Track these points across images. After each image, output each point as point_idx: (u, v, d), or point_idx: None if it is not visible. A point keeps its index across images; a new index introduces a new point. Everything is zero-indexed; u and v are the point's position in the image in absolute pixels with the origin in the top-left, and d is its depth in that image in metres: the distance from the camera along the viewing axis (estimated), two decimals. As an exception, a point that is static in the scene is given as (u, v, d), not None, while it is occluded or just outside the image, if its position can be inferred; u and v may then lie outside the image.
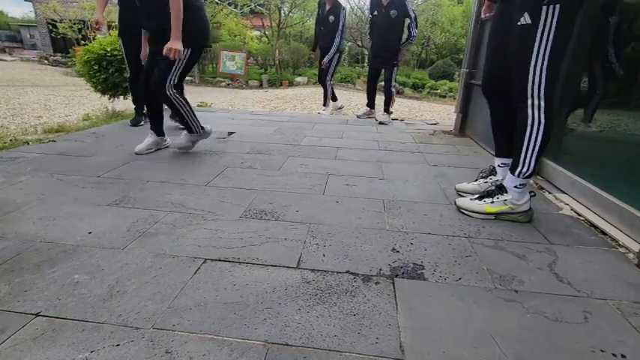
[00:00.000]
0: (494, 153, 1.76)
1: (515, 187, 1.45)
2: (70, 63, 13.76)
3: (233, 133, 2.96)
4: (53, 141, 2.47)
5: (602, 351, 0.83)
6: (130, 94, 3.20)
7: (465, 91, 3.17)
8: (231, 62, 12.10)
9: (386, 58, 3.78)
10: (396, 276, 1.08)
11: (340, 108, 5.09)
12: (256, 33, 15.38)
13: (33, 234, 1.23)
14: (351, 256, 1.17)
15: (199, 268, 1.08)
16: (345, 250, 1.21)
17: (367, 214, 1.50)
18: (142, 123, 3.04)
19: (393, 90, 3.86)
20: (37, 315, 0.86)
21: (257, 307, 0.92)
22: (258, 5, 15.04)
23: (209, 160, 2.19)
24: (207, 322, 0.86)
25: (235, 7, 13.77)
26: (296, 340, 0.82)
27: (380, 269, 1.11)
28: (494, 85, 1.59)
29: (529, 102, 1.35)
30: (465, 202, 1.56)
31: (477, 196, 1.55)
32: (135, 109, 3.14)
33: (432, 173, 2.09)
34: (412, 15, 3.65)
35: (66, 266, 1.06)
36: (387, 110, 3.85)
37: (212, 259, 1.12)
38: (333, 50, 4.31)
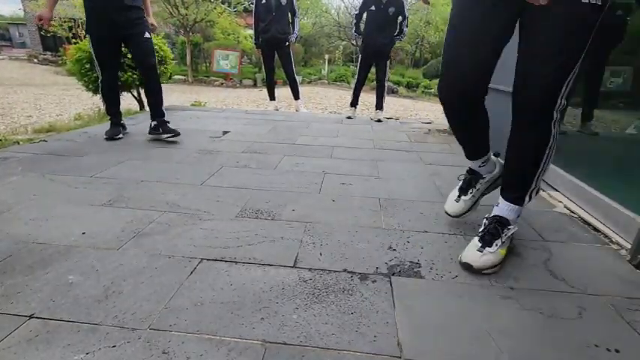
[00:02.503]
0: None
1: (518, 216, 1.19)
2: (60, 62, 13.57)
3: (228, 132, 2.94)
4: (44, 141, 2.44)
5: (597, 346, 0.84)
6: (105, 102, 2.63)
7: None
8: (225, 61, 12.04)
9: (382, 53, 3.80)
10: (393, 274, 1.08)
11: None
12: (250, 32, 15.31)
13: (25, 235, 1.21)
14: (348, 255, 1.18)
15: (195, 268, 1.07)
16: (341, 248, 1.21)
17: (363, 212, 1.50)
18: (121, 135, 2.57)
19: (386, 85, 3.89)
20: (30, 317, 0.85)
21: (254, 307, 0.92)
22: (251, 4, 14.98)
23: (204, 159, 2.17)
24: (204, 322, 0.86)
25: (229, 6, 13.68)
26: (294, 339, 0.82)
27: (377, 267, 1.11)
28: (470, 86, 1.11)
29: (554, 116, 1.03)
30: (476, 258, 1.11)
31: (479, 244, 1.13)
32: (110, 119, 2.62)
33: (428, 172, 2.10)
34: (406, 14, 3.70)
35: (60, 267, 1.04)
36: (380, 107, 3.85)
37: (208, 259, 1.12)
38: (296, 34, 4.27)
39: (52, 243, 1.17)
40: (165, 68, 3.71)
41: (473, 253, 1.12)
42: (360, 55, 3.93)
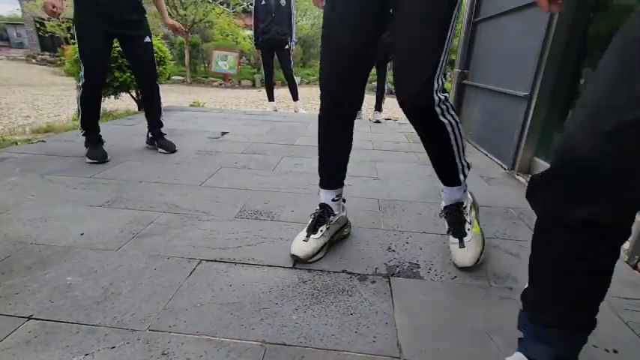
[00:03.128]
0: (484, 151, 1.65)
1: (465, 191, 1.21)
2: (58, 62, 13.53)
3: (227, 133, 2.94)
4: (42, 141, 2.43)
5: (595, 346, 0.84)
6: (83, 111, 2.10)
7: (457, 92, 3.20)
8: (223, 62, 12.04)
9: (386, 54, 3.81)
10: (392, 275, 1.08)
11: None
12: (249, 32, 15.31)
13: (24, 236, 1.20)
14: (347, 256, 1.18)
15: (195, 268, 1.07)
16: (340, 249, 1.21)
17: (362, 213, 1.50)
18: (109, 158, 2.08)
19: (386, 86, 3.88)
20: (29, 318, 0.85)
21: (254, 308, 0.92)
22: (250, 4, 14.99)
23: (203, 160, 2.17)
24: (203, 322, 0.86)
25: (227, 7, 13.69)
26: (293, 340, 0.82)
27: (376, 268, 1.12)
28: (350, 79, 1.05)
29: (437, 111, 0.99)
30: (464, 257, 1.12)
31: (458, 241, 1.15)
32: (87, 135, 2.10)
33: (426, 173, 2.10)
34: None
35: (58, 268, 1.04)
36: (379, 108, 3.86)
37: (207, 260, 1.12)
38: (294, 36, 4.29)
39: (51, 244, 1.16)
40: (164, 69, 3.71)
41: (460, 254, 1.13)
42: None
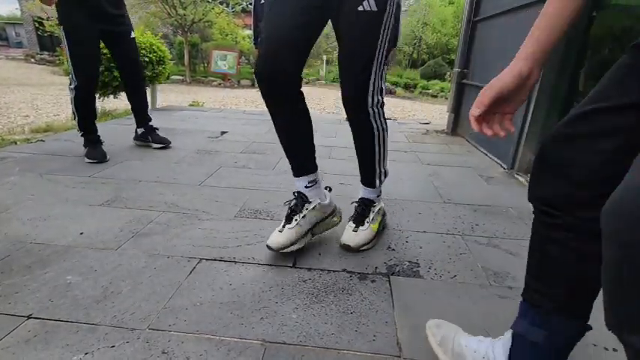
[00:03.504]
0: (484, 151, 1.70)
1: (378, 196, 1.30)
2: (57, 61, 13.52)
3: (226, 132, 2.94)
4: (42, 141, 2.43)
5: (594, 345, 0.84)
6: (79, 114, 2.07)
7: (457, 91, 3.21)
8: (222, 62, 12.04)
9: None
10: (392, 274, 1.09)
11: None
12: (248, 32, 15.30)
13: (23, 235, 1.20)
14: (347, 255, 1.18)
15: (194, 268, 1.07)
16: (340, 248, 1.21)
17: (362, 212, 1.50)
18: (109, 157, 2.07)
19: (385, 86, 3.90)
20: (29, 317, 0.85)
21: (254, 307, 0.92)
22: (249, 4, 14.98)
23: (202, 159, 2.17)
24: (203, 322, 0.86)
25: (227, 6, 13.68)
26: (293, 339, 0.82)
27: (376, 267, 1.12)
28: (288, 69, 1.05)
29: (370, 112, 1.10)
30: (352, 238, 1.19)
31: (353, 225, 1.22)
32: (86, 136, 2.10)
33: (426, 172, 2.10)
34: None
35: (58, 267, 1.04)
36: None
37: (207, 259, 1.12)
38: None
39: (50, 243, 1.16)
40: (164, 68, 3.70)
41: (349, 234, 1.21)
42: None
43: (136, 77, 2.27)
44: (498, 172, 2.14)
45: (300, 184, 1.22)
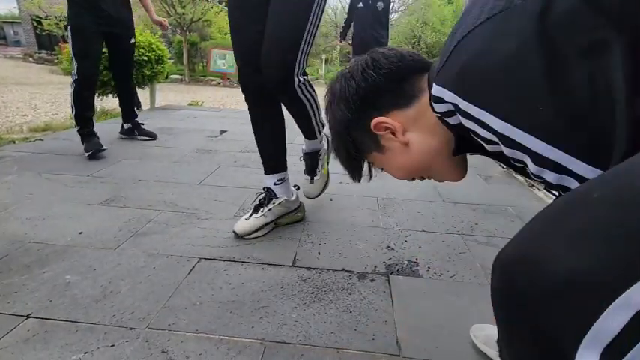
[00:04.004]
0: None
1: (321, 141, 1.42)
2: (56, 60, 13.48)
3: (225, 131, 2.94)
4: (40, 140, 2.42)
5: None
6: (77, 107, 2.15)
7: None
8: (222, 60, 12.01)
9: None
10: (391, 273, 1.09)
11: None
12: (247, 31, 15.28)
13: (22, 234, 1.20)
14: (346, 254, 1.18)
15: (194, 267, 1.07)
16: (340, 247, 1.21)
17: (361, 212, 1.51)
18: (105, 148, 2.13)
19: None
20: (28, 316, 0.84)
21: (253, 306, 0.92)
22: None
23: (201, 158, 2.17)
24: (203, 321, 0.86)
25: (226, 5, 13.65)
26: (293, 338, 0.82)
27: (375, 266, 1.12)
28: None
29: (296, 80, 1.12)
30: (312, 189, 1.42)
31: (309, 178, 1.43)
32: (83, 131, 2.16)
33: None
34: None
35: (57, 267, 1.04)
36: None
37: (206, 258, 1.12)
38: None
39: (49, 242, 1.16)
40: (162, 67, 3.69)
41: (308, 188, 1.44)
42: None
43: (125, 78, 2.49)
44: (497, 172, 2.15)
45: (270, 181, 1.34)
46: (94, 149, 2.06)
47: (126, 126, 2.57)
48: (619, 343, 0.23)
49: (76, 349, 0.76)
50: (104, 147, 2.12)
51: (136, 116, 2.60)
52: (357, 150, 0.63)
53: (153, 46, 3.47)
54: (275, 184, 1.33)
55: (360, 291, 1.00)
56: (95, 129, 2.22)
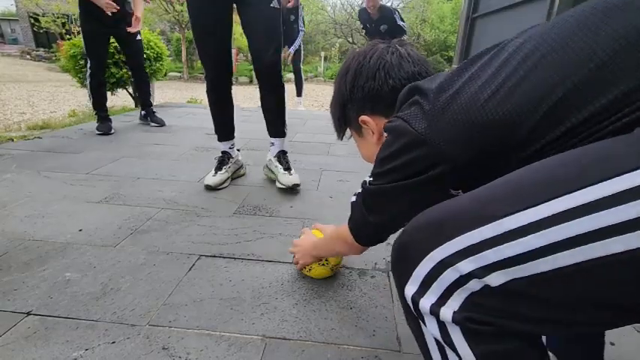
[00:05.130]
0: None
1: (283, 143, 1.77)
2: (53, 58, 13.42)
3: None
4: (39, 138, 2.41)
5: (592, 339, 0.85)
6: (93, 96, 2.70)
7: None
8: (220, 58, 11.96)
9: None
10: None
11: None
12: (246, 29, 15.22)
13: (21, 232, 1.20)
14: (347, 251, 1.18)
15: (194, 264, 1.07)
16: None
17: (361, 209, 1.50)
18: (114, 130, 2.66)
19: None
20: (28, 314, 0.84)
21: (254, 302, 0.92)
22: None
23: (200, 156, 2.16)
24: (203, 317, 0.86)
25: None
26: (294, 334, 0.82)
27: (375, 263, 1.12)
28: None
29: (281, 75, 1.60)
30: (294, 178, 1.64)
31: (287, 172, 1.67)
32: (98, 114, 2.68)
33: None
34: (403, 27, 3.70)
35: (56, 264, 1.03)
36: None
37: (207, 256, 1.12)
38: (298, 40, 4.67)
39: (49, 240, 1.16)
40: (161, 65, 3.68)
41: (288, 178, 1.64)
42: None
43: (140, 73, 2.91)
44: (497, 169, 2.15)
45: (225, 146, 1.75)
46: (103, 131, 2.57)
47: (142, 112, 3.01)
48: (425, 283, 0.42)
49: (76, 346, 0.76)
50: (113, 131, 2.64)
51: (151, 104, 3.02)
52: (344, 120, 0.76)
53: (151, 44, 3.46)
54: (230, 148, 1.75)
55: (360, 287, 1.00)
56: (93, 127, 2.47)
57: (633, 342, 0.85)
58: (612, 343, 0.84)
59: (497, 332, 0.39)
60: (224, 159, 1.71)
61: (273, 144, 1.74)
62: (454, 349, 0.41)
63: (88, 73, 2.61)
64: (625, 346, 0.84)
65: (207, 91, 1.66)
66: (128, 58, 2.88)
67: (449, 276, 0.40)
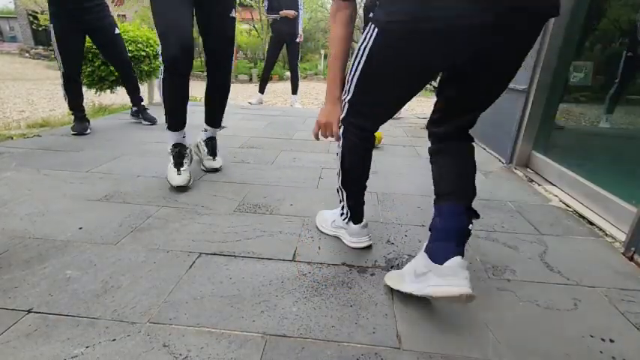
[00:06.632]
0: (483, 145, 1.73)
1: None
2: (52, 56, 13.38)
3: (224, 127, 2.92)
4: (38, 136, 2.41)
5: (592, 336, 0.85)
6: (68, 96, 2.56)
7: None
8: (220, 56, 11.93)
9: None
10: (392, 267, 1.09)
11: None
12: (245, 26, 15.16)
13: (21, 230, 1.20)
14: (346, 249, 1.18)
15: (194, 262, 1.07)
16: (339, 242, 1.22)
17: (361, 207, 1.50)
18: (89, 131, 2.54)
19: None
20: (29, 311, 0.84)
21: (254, 300, 0.92)
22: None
23: (200, 154, 2.16)
24: (204, 315, 0.86)
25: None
26: (294, 332, 0.82)
27: (375, 261, 1.12)
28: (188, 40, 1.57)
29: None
30: (217, 162, 1.85)
31: (212, 157, 1.85)
32: (74, 114, 2.58)
33: (425, 166, 2.10)
34: None
35: (57, 262, 1.04)
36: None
37: (207, 253, 1.12)
38: (301, 32, 4.61)
39: (49, 238, 1.16)
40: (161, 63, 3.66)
41: (212, 162, 1.84)
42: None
43: (126, 69, 2.75)
44: (497, 167, 2.15)
45: (179, 136, 1.70)
46: (78, 130, 2.47)
47: (134, 109, 2.91)
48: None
49: (77, 343, 0.76)
50: (89, 131, 2.55)
51: (142, 100, 2.92)
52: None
53: (150, 41, 3.44)
54: (183, 137, 1.72)
55: (360, 285, 1.00)
56: (93, 125, 2.41)
57: (632, 339, 0.85)
58: (612, 340, 0.84)
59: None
60: (180, 151, 1.66)
61: (206, 130, 1.87)
62: None
63: (61, 71, 2.43)
64: (624, 343, 0.84)
65: (165, 73, 1.57)
66: (112, 57, 2.67)
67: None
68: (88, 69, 3.28)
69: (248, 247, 1.16)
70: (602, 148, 1.86)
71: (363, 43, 0.88)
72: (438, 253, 0.85)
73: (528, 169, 2.05)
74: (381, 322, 0.86)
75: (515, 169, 2.09)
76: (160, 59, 1.53)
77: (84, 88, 3.49)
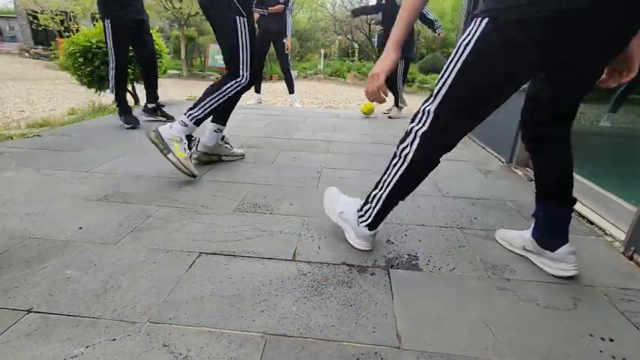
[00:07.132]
0: (483, 145, 1.75)
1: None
2: (52, 56, 13.37)
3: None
4: (38, 136, 2.41)
5: (591, 335, 0.85)
6: (115, 90, 2.69)
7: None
8: (219, 56, 11.92)
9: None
10: (391, 267, 1.09)
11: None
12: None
13: (21, 230, 1.20)
14: (346, 248, 1.18)
15: (194, 262, 1.07)
16: (339, 242, 1.22)
17: (361, 206, 1.50)
18: (140, 125, 2.70)
19: (399, 85, 3.80)
20: (29, 311, 0.85)
21: (254, 300, 0.92)
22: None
23: (200, 154, 2.15)
24: (204, 315, 0.86)
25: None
26: (294, 331, 0.82)
27: (375, 260, 1.12)
28: None
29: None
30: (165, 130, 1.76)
31: (187, 147, 1.80)
32: (125, 107, 2.72)
33: (424, 166, 2.10)
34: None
35: (57, 262, 1.04)
36: (396, 105, 3.86)
37: (207, 253, 1.12)
38: (289, 31, 4.52)
39: (49, 238, 1.16)
40: (161, 62, 3.67)
41: (187, 160, 1.75)
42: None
43: (152, 60, 2.85)
44: (496, 166, 2.15)
45: (213, 126, 1.99)
46: (133, 123, 2.66)
47: (150, 105, 2.96)
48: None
49: (77, 343, 0.76)
50: (140, 125, 2.71)
51: (158, 97, 3.01)
52: None
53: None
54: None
55: (360, 285, 1.00)
56: (93, 124, 2.43)
57: (632, 338, 0.85)
58: (612, 340, 0.84)
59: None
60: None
61: (186, 125, 1.84)
62: None
63: (111, 65, 2.56)
64: (624, 342, 0.84)
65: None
66: (145, 47, 2.75)
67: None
68: (88, 69, 3.29)
69: (248, 247, 1.16)
70: (602, 147, 1.86)
71: (465, 38, 0.87)
72: (547, 245, 1.08)
73: (528, 169, 2.05)
74: (381, 322, 0.87)
75: (515, 168, 2.09)
76: None
77: (84, 88, 3.51)
